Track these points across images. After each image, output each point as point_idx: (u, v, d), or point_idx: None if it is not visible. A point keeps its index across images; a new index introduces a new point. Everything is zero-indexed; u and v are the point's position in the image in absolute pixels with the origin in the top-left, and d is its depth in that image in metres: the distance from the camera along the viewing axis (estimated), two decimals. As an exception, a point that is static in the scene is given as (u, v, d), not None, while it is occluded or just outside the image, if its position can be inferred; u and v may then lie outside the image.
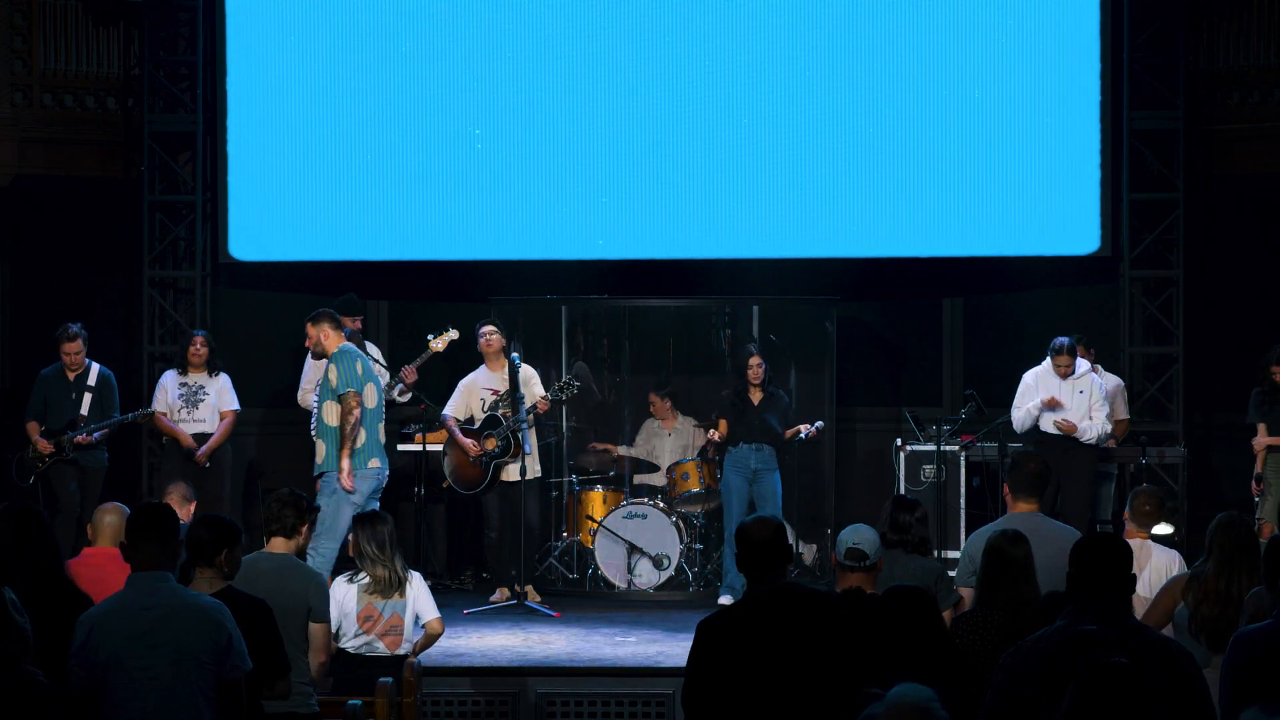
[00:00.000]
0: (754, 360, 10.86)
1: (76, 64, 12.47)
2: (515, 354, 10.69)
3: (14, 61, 12.30)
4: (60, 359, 10.91)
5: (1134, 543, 7.27)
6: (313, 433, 9.71)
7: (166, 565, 5.22)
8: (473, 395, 10.85)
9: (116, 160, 12.58)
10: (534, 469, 10.78)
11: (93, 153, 12.54)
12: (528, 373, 10.83)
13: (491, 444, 10.60)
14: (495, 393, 10.72)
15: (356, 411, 9.30)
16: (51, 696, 4.72)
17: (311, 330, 9.64)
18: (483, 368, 10.93)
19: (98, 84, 12.54)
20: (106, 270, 12.62)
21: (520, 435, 10.51)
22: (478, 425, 10.73)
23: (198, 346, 11.04)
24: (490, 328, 10.89)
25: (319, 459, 9.45)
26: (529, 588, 10.61)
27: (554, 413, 11.53)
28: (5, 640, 4.69)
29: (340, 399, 9.35)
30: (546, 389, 10.79)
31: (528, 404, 10.57)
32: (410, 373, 10.92)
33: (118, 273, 12.66)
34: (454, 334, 11.03)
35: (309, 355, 11.40)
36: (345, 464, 9.26)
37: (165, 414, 11.00)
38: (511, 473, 10.62)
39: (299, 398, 11.34)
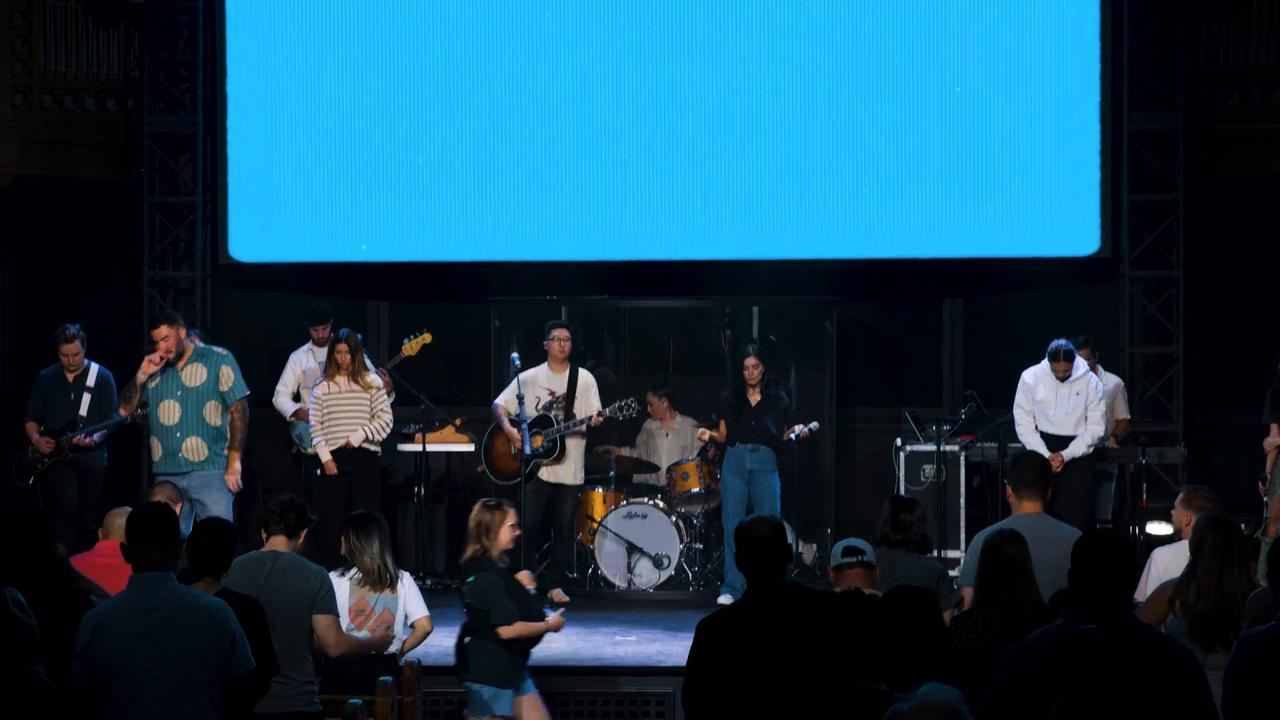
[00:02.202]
0: (750, 361, 10.88)
1: (76, 65, 12.48)
2: (515, 354, 10.69)
3: (14, 63, 12.31)
4: (59, 360, 10.90)
5: None
6: (176, 433, 9.59)
7: (168, 565, 5.22)
8: (529, 390, 10.82)
9: (116, 161, 12.59)
10: (575, 475, 10.84)
11: (93, 154, 12.54)
12: (588, 380, 10.91)
13: (538, 442, 10.61)
14: (552, 393, 10.74)
15: (247, 414, 9.60)
16: (53, 696, 4.71)
17: (169, 330, 9.63)
18: (544, 366, 10.93)
19: (98, 85, 12.55)
20: (106, 271, 12.62)
21: (575, 436, 10.59)
22: (528, 421, 10.73)
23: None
24: (562, 331, 10.89)
25: (196, 457, 9.47)
26: (557, 590, 10.70)
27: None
28: (6, 639, 4.69)
29: (238, 401, 9.56)
30: (605, 403, 10.82)
31: (580, 413, 10.64)
32: (383, 376, 10.95)
33: (118, 273, 12.66)
34: (427, 338, 11.19)
35: (290, 357, 11.44)
36: (237, 465, 9.50)
37: None
38: (558, 474, 10.70)
39: (275, 400, 11.39)
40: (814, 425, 11.15)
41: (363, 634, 7.15)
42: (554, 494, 10.81)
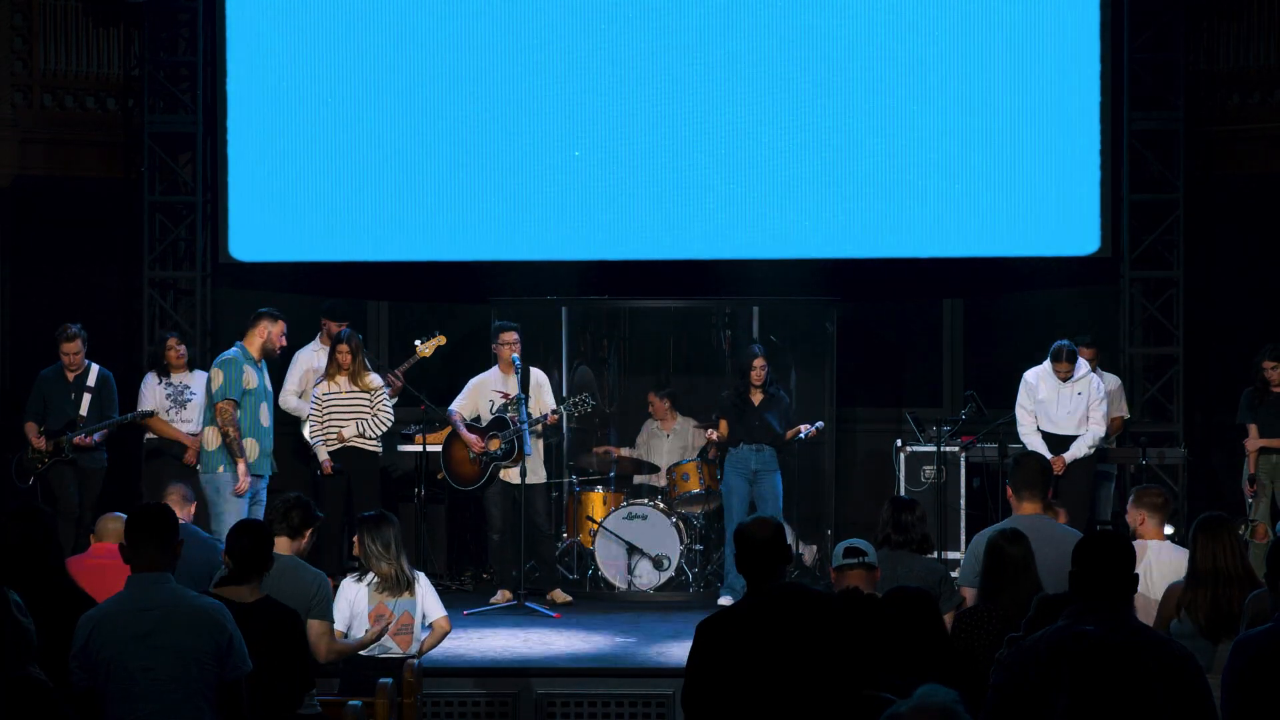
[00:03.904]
0: (758, 362, 10.84)
1: (76, 64, 12.48)
2: (515, 354, 10.69)
3: (14, 62, 12.31)
4: (60, 359, 10.90)
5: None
6: (271, 435, 9.70)
7: (167, 566, 5.23)
8: (481, 395, 10.84)
9: (116, 161, 12.59)
10: (538, 473, 10.79)
11: (93, 153, 12.55)
12: (539, 378, 10.86)
13: (495, 444, 10.60)
14: (505, 395, 10.72)
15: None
16: (53, 697, 4.71)
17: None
18: (494, 369, 10.92)
19: (98, 84, 12.55)
20: (106, 270, 12.62)
21: (522, 439, 10.52)
22: (484, 424, 10.75)
23: (175, 347, 11.01)
24: (510, 335, 10.82)
25: (256, 458, 9.57)
26: (557, 590, 10.74)
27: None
28: (5, 640, 4.68)
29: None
30: (558, 400, 10.81)
31: (535, 412, 10.60)
32: (395, 379, 10.95)
33: (118, 273, 12.66)
34: (441, 340, 11.15)
35: (295, 356, 11.44)
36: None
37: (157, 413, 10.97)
38: (512, 475, 10.64)
39: (280, 400, 11.40)
40: (820, 424, 11.14)
41: (354, 638, 7.15)
42: (517, 494, 10.74)
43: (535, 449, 10.74)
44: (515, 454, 10.56)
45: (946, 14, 11.81)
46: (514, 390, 10.66)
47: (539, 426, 10.69)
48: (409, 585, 7.23)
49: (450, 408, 10.87)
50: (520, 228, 12.02)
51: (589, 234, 12.02)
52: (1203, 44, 12.29)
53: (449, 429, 11.35)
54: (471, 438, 10.70)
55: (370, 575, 7.21)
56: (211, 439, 9.49)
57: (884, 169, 11.85)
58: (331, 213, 12.10)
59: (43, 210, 12.45)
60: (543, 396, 10.79)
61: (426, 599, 7.32)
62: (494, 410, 10.73)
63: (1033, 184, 11.83)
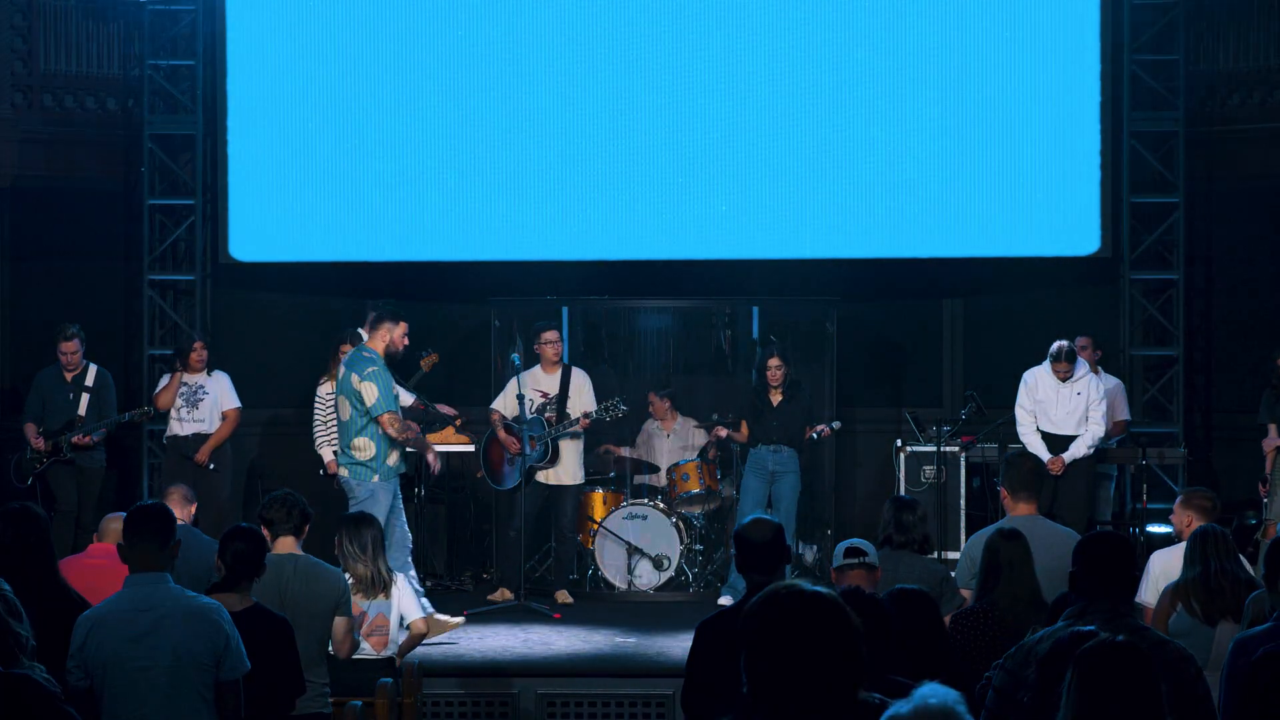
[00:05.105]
0: (773, 362, 10.81)
1: (77, 65, 12.47)
2: (516, 355, 10.68)
3: (14, 62, 12.31)
4: (58, 359, 10.90)
5: None
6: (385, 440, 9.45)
7: (164, 566, 5.22)
8: (524, 393, 10.80)
9: (116, 161, 12.59)
10: (575, 475, 10.80)
11: (93, 154, 12.54)
12: (581, 379, 10.85)
13: (533, 445, 10.58)
14: (545, 395, 10.71)
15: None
16: (53, 696, 4.71)
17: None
18: (536, 367, 10.90)
19: (98, 85, 12.55)
20: (106, 271, 12.61)
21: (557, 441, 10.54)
22: (528, 422, 10.71)
23: (200, 351, 11.00)
24: (552, 334, 10.82)
25: (395, 462, 9.37)
26: (563, 591, 10.72)
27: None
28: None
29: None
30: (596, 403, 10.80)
31: (574, 412, 10.61)
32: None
33: (118, 274, 12.65)
34: (434, 357, 11.23)
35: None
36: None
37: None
38: (554, 476, 10.68)
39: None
40: (837, 424, 11.10)
41: (356, 637, 7.15)
42: (552, 494, 10.78)
43: (572, 450, 10.75)
44: (551, 455, 10.57)
45: (947, 14, 11.80)
46: (554, 390, 10.67)
47: (573, 429, 10.69)
48: (385, 587, 7.21)
49: (492, 405, 10.85)
50: (520, 228, 12.01)
51: (589, 234, 12.01)
52: (1203, 44, 12.28)
53: (450, 429, 11.34)
54: (510, 439, 10.68)
55: (346, 575, 7.21)
56: (365, 449, 9.27)
57: (884, 169, 11.84)
58: (331, 213, 12.09)
59: (43, 210, 12.44)
60: (582, 397, 10.78)
61: (403, 600, 7.29)
62: (532, 410, 10.70)
63: (1033, 184, 11.83)
